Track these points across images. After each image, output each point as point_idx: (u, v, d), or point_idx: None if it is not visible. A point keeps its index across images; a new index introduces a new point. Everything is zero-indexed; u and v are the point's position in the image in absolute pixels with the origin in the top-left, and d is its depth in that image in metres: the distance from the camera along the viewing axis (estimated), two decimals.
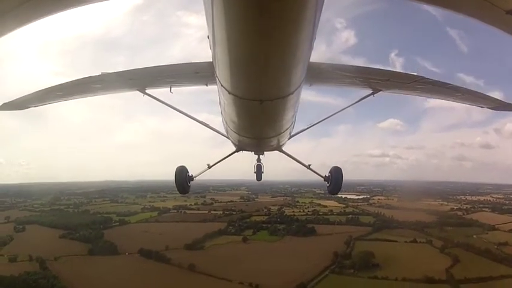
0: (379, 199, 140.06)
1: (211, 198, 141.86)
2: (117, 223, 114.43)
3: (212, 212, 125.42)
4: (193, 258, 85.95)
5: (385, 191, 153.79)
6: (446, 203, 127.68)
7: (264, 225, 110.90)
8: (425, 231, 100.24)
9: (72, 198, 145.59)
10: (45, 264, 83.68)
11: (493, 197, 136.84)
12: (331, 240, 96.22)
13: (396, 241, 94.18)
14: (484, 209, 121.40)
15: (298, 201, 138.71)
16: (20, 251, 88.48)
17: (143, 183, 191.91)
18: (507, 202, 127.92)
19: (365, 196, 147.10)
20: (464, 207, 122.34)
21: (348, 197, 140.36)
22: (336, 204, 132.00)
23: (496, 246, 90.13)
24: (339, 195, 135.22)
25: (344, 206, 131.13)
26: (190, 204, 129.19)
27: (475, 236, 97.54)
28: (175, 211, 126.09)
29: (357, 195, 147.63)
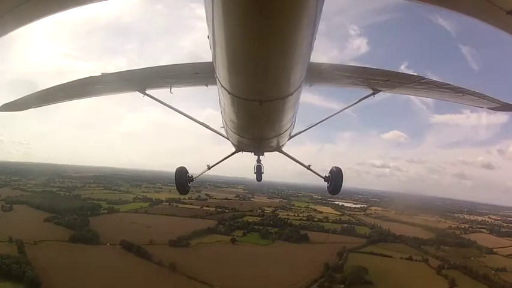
0: (376, 210, 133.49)
1: (206, 194, 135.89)
2: (106, 211, 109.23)
3: (204, 208, 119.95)
4: (176, 256, 79.84)
5: (382, 202, 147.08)
6: (444, 220, 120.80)
7: (255, 226, 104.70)
8: (422, 248, 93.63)
9: (66, 181, 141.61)
10: (24, 247, 78.54)
11: (490, 218, 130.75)
12: (323, 250, 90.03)
13: (391, 257, 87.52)
14: (481, 230, 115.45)
15: (293, 205, 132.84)
16: (2, 232, 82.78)
17: (141, 172, 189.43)
18: (505, 225, 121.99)
19: (362, 205, 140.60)
20: (462, 227, 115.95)
21: (345, 204, 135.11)
22: (332, 211, 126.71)
23: (493, 272, 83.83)
24: (336, 203, 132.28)
25: (340, 214, 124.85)
26: (184, 198, 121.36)
27: (472, 258, 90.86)
28: (167, 204, 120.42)
29: (354, 203, 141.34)
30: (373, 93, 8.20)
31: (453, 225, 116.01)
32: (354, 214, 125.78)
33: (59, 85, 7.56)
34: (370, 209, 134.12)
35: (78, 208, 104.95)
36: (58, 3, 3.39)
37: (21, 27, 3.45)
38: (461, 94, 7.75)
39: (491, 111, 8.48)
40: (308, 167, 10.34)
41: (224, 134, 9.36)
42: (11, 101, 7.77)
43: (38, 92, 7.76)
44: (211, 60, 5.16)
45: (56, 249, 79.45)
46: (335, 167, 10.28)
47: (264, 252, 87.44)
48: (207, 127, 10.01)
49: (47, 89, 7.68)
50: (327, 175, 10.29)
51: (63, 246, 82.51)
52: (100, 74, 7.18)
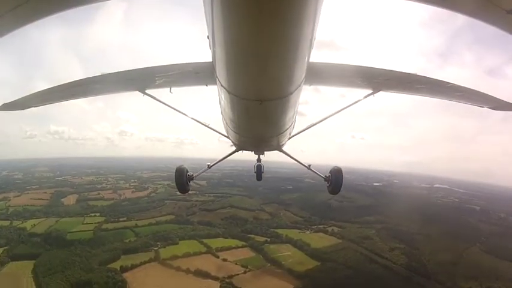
0: None
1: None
2: None
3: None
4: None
5: None
6: None
7: None
8: None
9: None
10: None
11: None
12: None
13: None
14: None
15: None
16: None
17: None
18: None
19: None
20: None
21: None
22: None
23: None
24: None
25: None
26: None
27: None
28: None
29: None
30: (373, 93, 7.57)
31: None
32: None
33: (59, 85, 7.03)
34: None
35: None
36: (58, 3, 3.22)
37: (21, 27, 3.26)
38: (461, 93, 7.09)
39: (491, 110, 7.64)
40: (308, 167, 9.83)
41: (224, 133, 8.80)
42: (10, 100, 7.06)
43: (38, 92, 7.13)
44: (211, 60, 4.93)
45: None
46: (335, 166, 9.68)
47: None
48: (207, 126, 9.34)
49: (47, 89, 7.17)
50: (327, 175, 9.69)
51: None
52: (100, 74, 6.54)
